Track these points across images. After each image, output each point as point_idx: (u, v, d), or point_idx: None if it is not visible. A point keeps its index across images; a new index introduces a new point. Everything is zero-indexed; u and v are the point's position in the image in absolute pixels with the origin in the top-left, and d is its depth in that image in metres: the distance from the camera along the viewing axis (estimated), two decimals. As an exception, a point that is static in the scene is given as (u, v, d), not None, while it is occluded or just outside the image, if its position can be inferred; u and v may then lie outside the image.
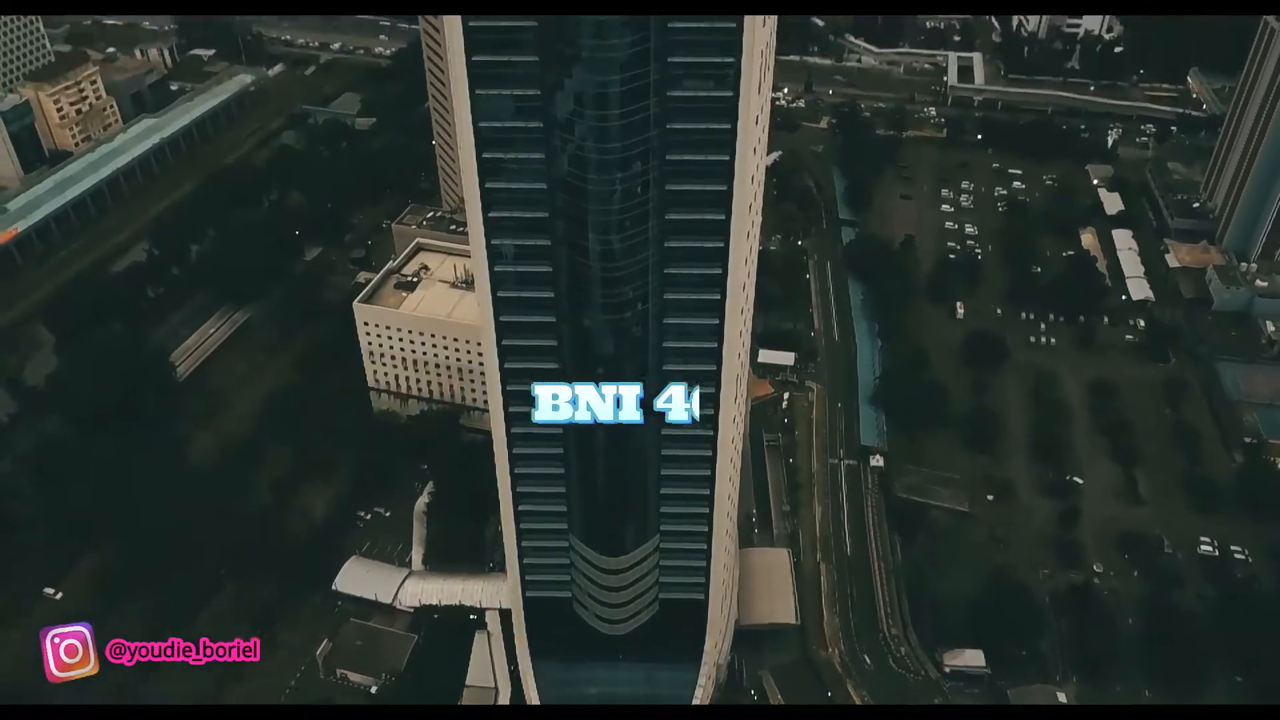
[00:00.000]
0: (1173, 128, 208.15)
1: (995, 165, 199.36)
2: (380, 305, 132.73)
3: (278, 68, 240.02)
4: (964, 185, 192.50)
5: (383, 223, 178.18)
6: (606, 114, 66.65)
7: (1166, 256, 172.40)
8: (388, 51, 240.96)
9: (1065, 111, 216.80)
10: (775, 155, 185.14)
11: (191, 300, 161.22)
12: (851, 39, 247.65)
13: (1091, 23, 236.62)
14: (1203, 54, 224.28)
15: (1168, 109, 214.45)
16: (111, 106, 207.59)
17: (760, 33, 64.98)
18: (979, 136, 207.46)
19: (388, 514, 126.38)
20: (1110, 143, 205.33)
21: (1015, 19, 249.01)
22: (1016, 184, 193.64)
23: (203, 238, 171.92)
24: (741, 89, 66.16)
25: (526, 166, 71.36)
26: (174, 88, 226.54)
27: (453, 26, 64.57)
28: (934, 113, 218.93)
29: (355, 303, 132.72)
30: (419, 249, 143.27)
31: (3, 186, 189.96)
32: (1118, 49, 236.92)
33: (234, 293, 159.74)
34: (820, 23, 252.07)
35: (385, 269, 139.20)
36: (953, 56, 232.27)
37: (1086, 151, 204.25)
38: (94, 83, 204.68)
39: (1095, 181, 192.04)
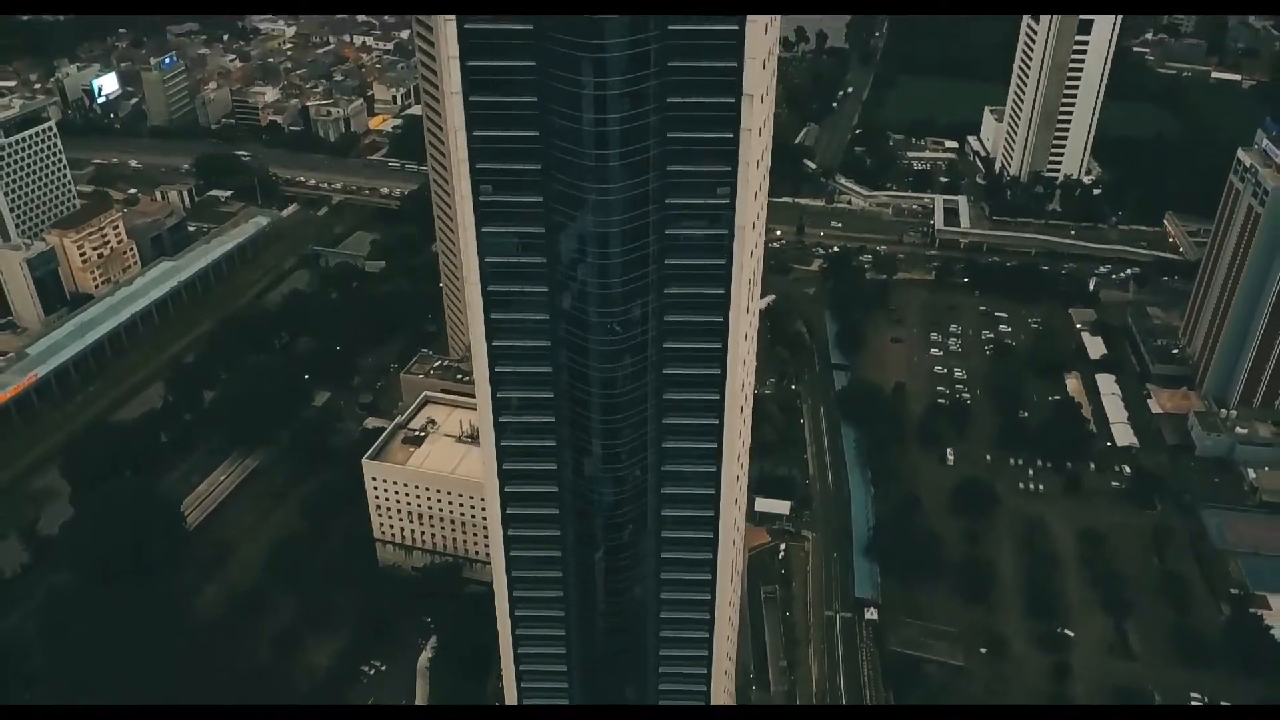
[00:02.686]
0: (1161, 277, 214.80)
1: (982, 308, 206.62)
2: (388, 461, 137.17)
3: (291, 208, 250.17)
4: (952, 329, 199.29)
5: (390, 365, 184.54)
6: (608, 253, 71.70)
7: (1149, 402, 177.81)
8: (397, 193, 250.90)
9: (1048, 254, 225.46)
10: (769, 299, 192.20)
11: (204, 445, 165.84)
12: (842, 181, 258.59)
13: (1070, 166, 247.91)
14: (1177, 198, 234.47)
15: (1146, 252, 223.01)
16: (131, 249, 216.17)
17: (754, 173, 70.92)
18: (966, 280, 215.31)
19: (389, 669, 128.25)
20: (1092, 285, 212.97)
21: (998, 162, 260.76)
22: (1003, 327, 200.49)
23: (216, 382, 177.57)
24: (736, 229, 71.68)
25: (530, 300, 75.98)
26: (192, 228, 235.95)
27: (460, 172, 70.15)
28: (922, 255, 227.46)
29: (364, 459, 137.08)
30: (426, 402, 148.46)
31: (24, 329, 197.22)
32: (1096, 191, 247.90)
33: (245, 438, 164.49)
34: (812, 165, 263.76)
35: (394, 423, 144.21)
36: (939, 199, 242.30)
37: (1069, 293, 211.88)
38: (116, 227, 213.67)
39: (1078, 325, 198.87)
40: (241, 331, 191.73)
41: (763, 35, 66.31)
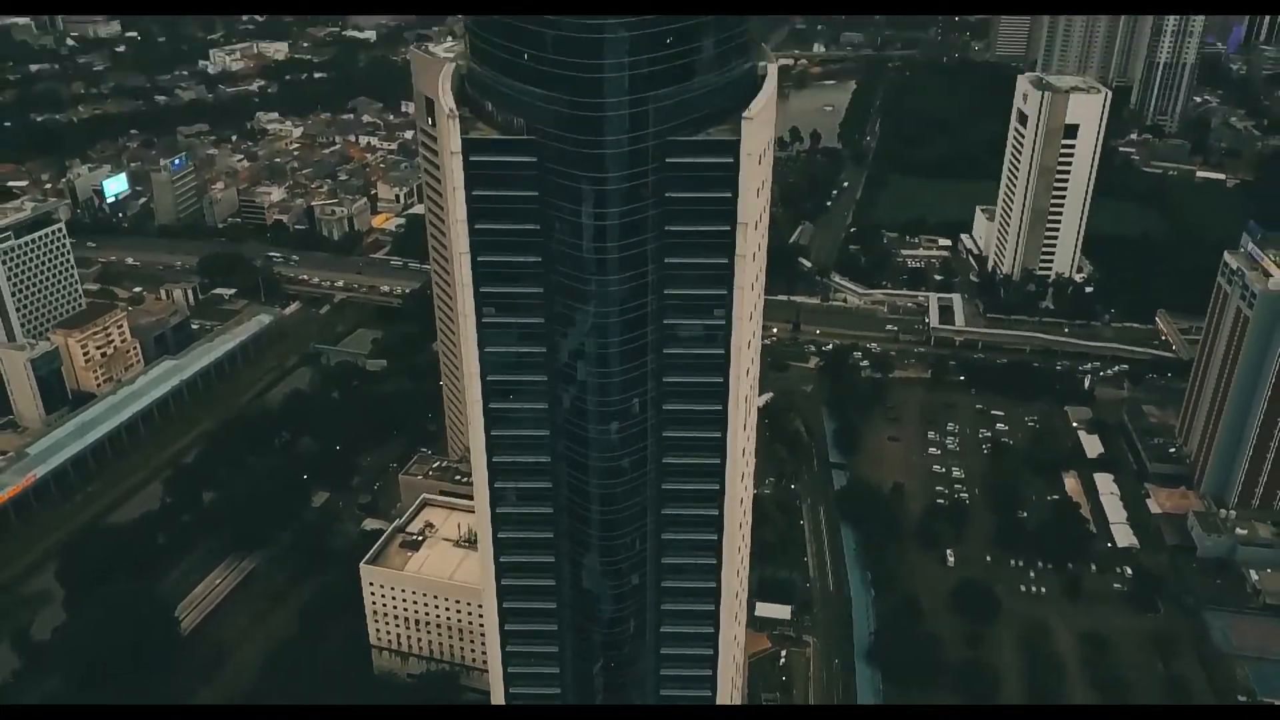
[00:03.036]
0: (1155, 375, 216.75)
1: (979, 406, 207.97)
2: (385, 566, 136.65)
3: (294, 306, 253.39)
4: (950, 427, 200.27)
5: (390, 465, 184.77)
6: (608, 371, 73.56)
7: (1148, 501, 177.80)
8: (399, 290, 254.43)
9: (1042, 351, 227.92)
10: (767, 396, 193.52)
11: (202, 547, 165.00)
12: (837, 279, 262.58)
13: (1062, 264, 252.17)
14: (1168, 295, 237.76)
15: (1139, 349, 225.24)
16: (135, 348, 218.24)
17: (749, 294, 72.95)
18: (962, 377, 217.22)
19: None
20: (1087, 383, 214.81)
21: (990, 260, 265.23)
22: (1000, 425, 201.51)
23: (215, 482, 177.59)
24: (732, 343, 73.73)
25: (529, 414, 77.66)
26: (195, 326, 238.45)
27: (462, 264, 72.21)
28: (918, 352, 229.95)
29: (362, 564, 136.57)
30: (425, 504, 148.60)
31: (25, 428, 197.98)
32: (1088, 289, 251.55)
33: (243, 540, 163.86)
34: (807, 264, 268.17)
35: (392, 527, 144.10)
36: (933, 297, 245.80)
37: (1065, 391, 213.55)
38: (120, 326, 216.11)
39: (1075, 423, 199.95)
40: (242, 431, 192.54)
41: (756, 166, 69.08)
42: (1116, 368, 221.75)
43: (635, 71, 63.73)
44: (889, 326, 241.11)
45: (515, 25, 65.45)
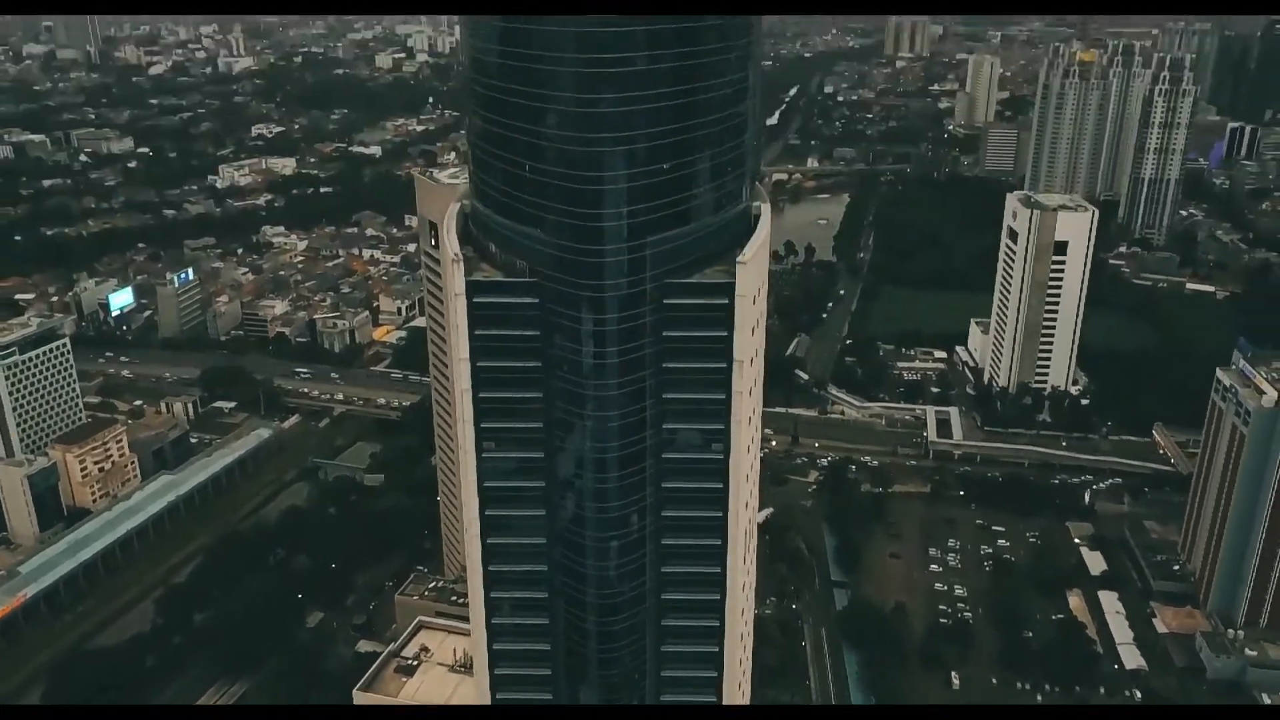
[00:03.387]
0: (1155, 489, 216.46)
1: (979, 521, 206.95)
2: (379, 692, 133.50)
3: (293, 419, 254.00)
4: (950, 543, 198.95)
5: (386, 584, 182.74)
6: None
7: (1154, 620, 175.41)
8: (398, 404, 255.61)
9: (1040, 465, 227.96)
10: (767, 512, 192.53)
11: (191, 670, 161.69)
12: (835, 391, 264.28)
13: (1057, 377, 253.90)
14: (1164, 408, 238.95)
15: (1137, 463, 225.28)
16: (132, 463, 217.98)
17: (745, 430, 73.13)
18: (961, 492, 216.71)
19: None
20: (1087, 497, 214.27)
21: (986, 373, 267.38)
22: (1001, 541, 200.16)
23: (208, 602, 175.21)
24: (731, 454, 73.69)
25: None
26: (194, 440, 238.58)
27: (464, 401, 72.43)
28: (917, 466, 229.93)
29: (355, 690, 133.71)
30: (420, 627, 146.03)
31: (18, 545, 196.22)
32: (1084, 402, 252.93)
33: (234, 663, 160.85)
34: (804, 376, 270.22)
35: (387, 650, 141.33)
36: (931, 411, 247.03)
37: (1065, 505, 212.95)
38: (119, 441, 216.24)
39: (1076, 540, 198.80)
40: (237, 548, 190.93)
41: (751, 306, 70.76)
42: (1114, 480, 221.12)
43: (634, 220, 65.93)
44: (886, 439, 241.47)
45: (515, 172, 68.04)
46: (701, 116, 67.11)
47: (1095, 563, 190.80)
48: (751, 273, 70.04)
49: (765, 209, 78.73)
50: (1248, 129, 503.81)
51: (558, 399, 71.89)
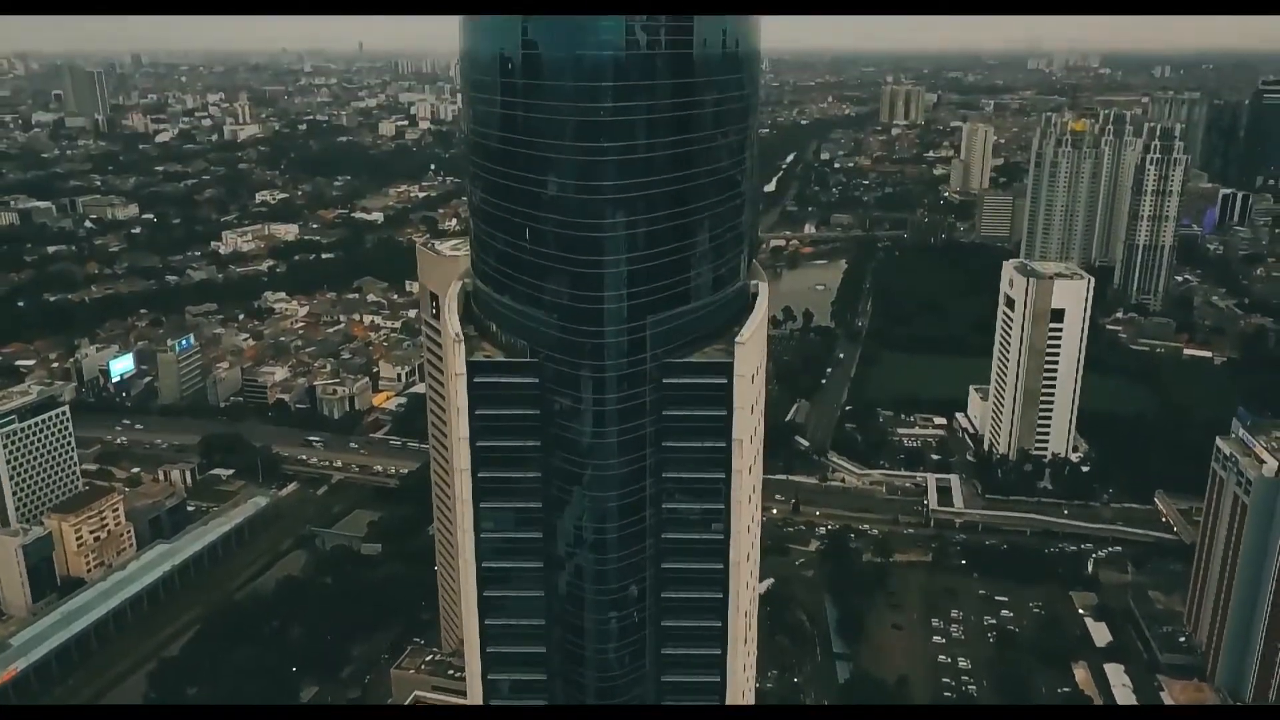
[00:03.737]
0: (1149, 557, 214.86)
1: (982, 591, 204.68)
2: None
3: (291, 487, 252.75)
4: (953, 614, 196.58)
5: (381, 656, 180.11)
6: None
7: (1162, 694, 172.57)
8: (395, 470, 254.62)
9: (1043, 533, 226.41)
10: (768, 583, 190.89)
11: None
12: (835, 458, 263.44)
13: (1057, 444, 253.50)
14: (1164, 473, 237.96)
15: (1140, 531, 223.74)
16: (129, 532, 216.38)
17: (746, 509, 73.00)
18: (963, 561, 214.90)
19: None
20: (1090, 567, 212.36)
21: (986, 439, 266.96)
22: (1005, 611, 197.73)
23: (201, 676, 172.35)
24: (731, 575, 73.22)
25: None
26: (191, 508, 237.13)
27: (463, 481, 71.91)
28: (918, 535, 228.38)
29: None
30: (417, 702, 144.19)
31: (10, 616, 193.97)
32: (1085, 468, 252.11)
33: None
34: (804, 443, 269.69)
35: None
36: (931, 478, 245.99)
37: (1068, 574, 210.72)
38: (115, 510, 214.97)
39: (1081, 610, 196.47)
40: (232, 620, 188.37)
41: (749, 385, 71.23)
42: (1117, 549, 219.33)
43: (634, 302, 66.68)
44: (887, 507, 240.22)
45: (515, 254, 69.02)
46: (700, 200, 68.42)
47: (1100, 634, 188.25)
48: (750, 352, 70.70)
49: (763, 287, 79.71)
50: (1239, 195, 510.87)
51: (557, 478, 72.01)
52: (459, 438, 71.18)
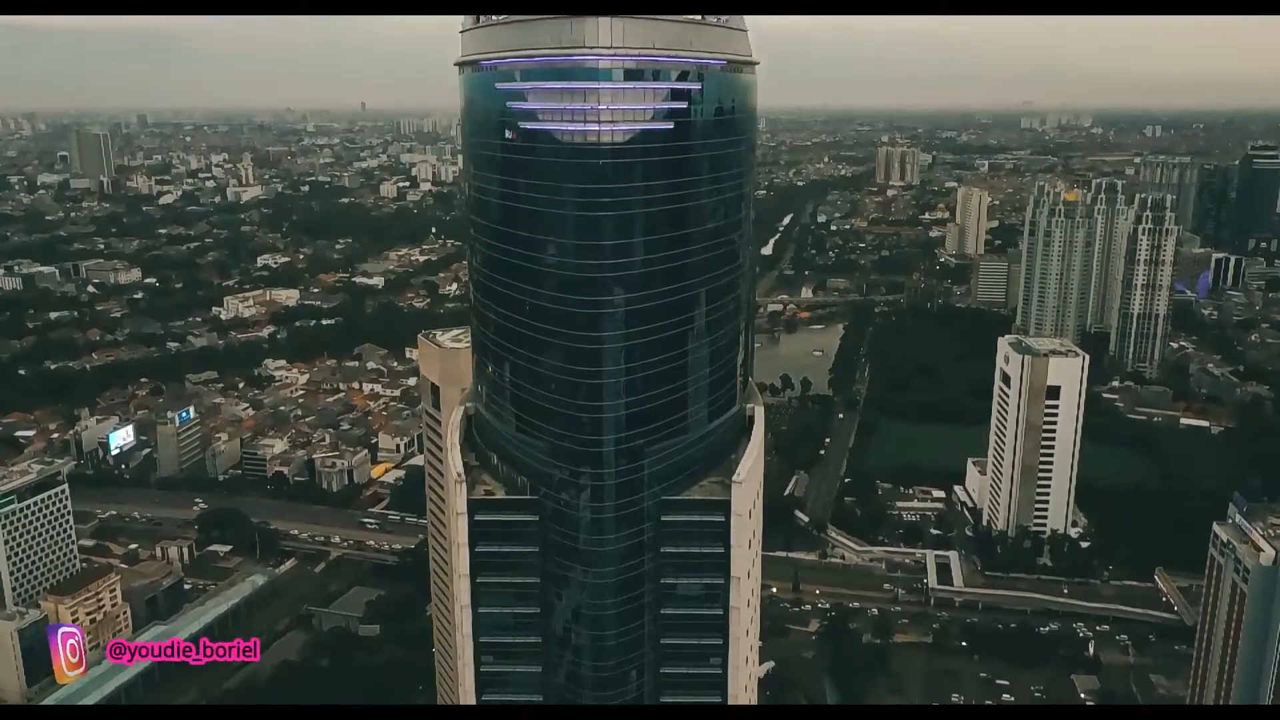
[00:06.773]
0: (1150, 637, 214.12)
1: (983, 674, 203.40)
2: None
3: (289, 564, 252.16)
4: (955, 698, 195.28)
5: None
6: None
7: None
8: (392, 547, 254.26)
9: (1043, 612, 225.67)
10: (768, 666, 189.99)
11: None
12: (834, 534, 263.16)
13: (1056, 520, 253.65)
14: (1163, 548, 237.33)
15: (1140, 610, 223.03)
16: (125, 613, 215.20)
17: (744, 640, 73.51)
18: (964, 642, 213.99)
19: None
20: (1091, 649, 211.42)
21: (985, 514, 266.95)
22: (1006, 696, 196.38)
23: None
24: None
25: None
26: (188, 586, 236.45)
27: (464, 619, 72.40)
28: (918, 614, 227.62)
29: None
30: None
31: (5, 702, 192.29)
32: (1084, 544, 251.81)
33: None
34: (804, 518, 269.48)
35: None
36: (930, 555, 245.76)
37: (1069, 655, 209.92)
38: (112, 591, 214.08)
39: (1083, 694, 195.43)
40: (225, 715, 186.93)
41: (746, 522, 72.36)
42: (1118, 629, 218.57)
43: (632, 443, 68.08)
44: (886, 585, 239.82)
45: (519, 394, 70.53)
46: (694, 342, 70.19)
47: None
48: (746, 489, 71.90)
49: (759, 412, 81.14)
50: (1232, 260, 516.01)
51: (552, 613, 72.71)
52: (459, 574, 72.10)
